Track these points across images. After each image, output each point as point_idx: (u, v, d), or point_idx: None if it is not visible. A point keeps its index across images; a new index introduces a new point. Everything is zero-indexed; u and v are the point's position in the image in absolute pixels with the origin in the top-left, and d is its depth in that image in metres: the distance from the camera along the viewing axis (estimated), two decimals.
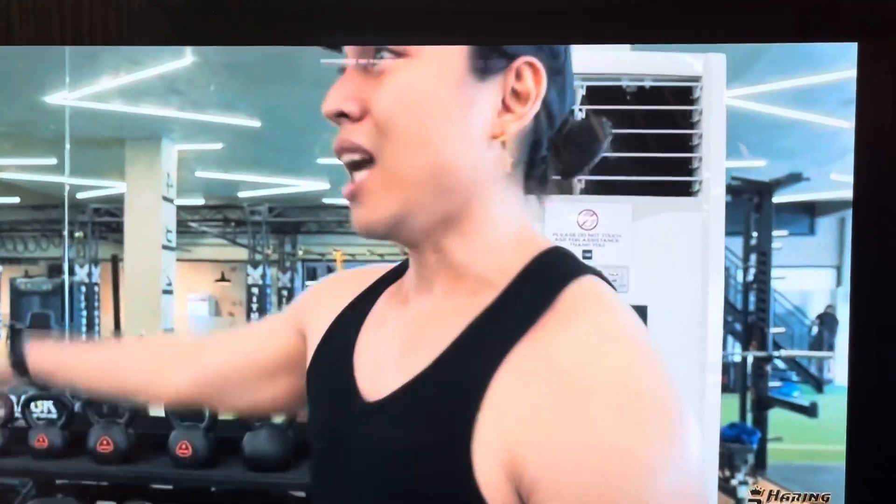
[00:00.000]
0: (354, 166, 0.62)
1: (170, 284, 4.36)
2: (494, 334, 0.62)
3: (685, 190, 1.71)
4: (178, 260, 4.67)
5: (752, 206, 3.67)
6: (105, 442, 2.15)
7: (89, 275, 4.87)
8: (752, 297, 3.50)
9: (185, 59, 3.63)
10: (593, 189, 1.72)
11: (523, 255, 0.67)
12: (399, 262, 0.80)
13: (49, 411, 2.33)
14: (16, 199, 5.21)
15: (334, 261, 5.64)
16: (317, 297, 0.85)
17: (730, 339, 4.52)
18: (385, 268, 0.81)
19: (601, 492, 0.54)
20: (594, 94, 1.74)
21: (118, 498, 2.27)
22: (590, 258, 1.69)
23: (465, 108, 0.64)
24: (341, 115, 0.62)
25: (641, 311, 1.69)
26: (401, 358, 0.68)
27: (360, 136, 0.62)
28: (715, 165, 1.72)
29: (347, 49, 0.66)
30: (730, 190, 4.05)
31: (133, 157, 4.43)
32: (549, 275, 0.65)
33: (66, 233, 4.42)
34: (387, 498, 0.65)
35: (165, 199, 4.44)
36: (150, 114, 4.20)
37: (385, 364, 0.69)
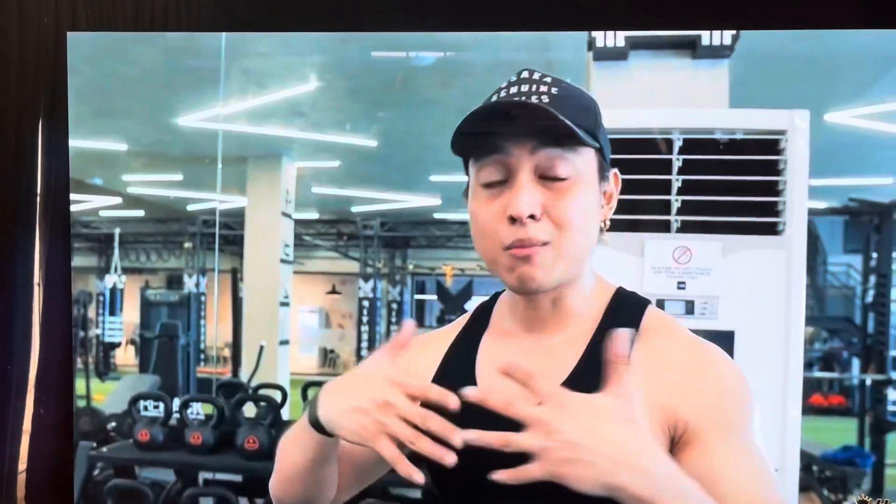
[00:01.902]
0: (530, 247, 0.92)
1: (287, 297, 5.05)
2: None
3: (771, 230, 2.20)
4: (294, 272, 5.33)
5: (871, 228, 3.98)
6: (251, 440, 2.78)
7: (196, 285, 5.58)
8: (871, 320, 3.81)
9: (309, 83, 4.32)
10: (688, 228, 2.23)
11: (603, 294, 1.02)
12: (472, 313, 1.11)
13: (198, 413, 2.97)
14: (141, 213, 6.04)
15: (444, 275, 6.23)
16: (404, 361, 1.02)
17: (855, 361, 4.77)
18: (457, 325, 1.10)
19: (725, 412, 0.91)
20: (691, 146, 2.26)
21: (260, 493, 2.89)
22: (683, 289, 2.21)
23: (598, 207, 0.98)
24: (531, 217, 0.91)
25: (729, 337, 2.19)
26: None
27: (541, 233, 0.92)
28: (798, 208, 2.20)
29: (519, 163, 0.92)
30: (848, 211, 4.36)
31: (255, 174, 5.15)
32: (630, 305, 1.01)
33: (216, 247, 5.16)
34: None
35: (284, 214, 5.14)
36: (273, 134, 4.93)
37: (513, 388, 0.91)
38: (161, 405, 2.81)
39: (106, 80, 4.36)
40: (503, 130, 0.93)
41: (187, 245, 6.07)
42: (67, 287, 2.41)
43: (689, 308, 2.19)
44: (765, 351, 2.20)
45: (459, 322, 1.12)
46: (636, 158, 2.25)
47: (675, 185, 2.23)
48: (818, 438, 4.10)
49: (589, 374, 0.93)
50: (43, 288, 2.36)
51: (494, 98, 0.97)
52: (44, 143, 2.37)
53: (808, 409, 4.95)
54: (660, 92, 2.52)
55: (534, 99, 0.93)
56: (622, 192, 2.30)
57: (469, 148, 0.98)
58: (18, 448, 2.36)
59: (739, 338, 2.19)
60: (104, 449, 2.80)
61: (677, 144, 2.26)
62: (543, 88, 0.95)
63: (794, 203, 2.20)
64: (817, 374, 4.90)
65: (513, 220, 0.92)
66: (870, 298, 3.80)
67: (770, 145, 2.24)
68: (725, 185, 2.24)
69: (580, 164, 0.95)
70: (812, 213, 4.78)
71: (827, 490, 3.55)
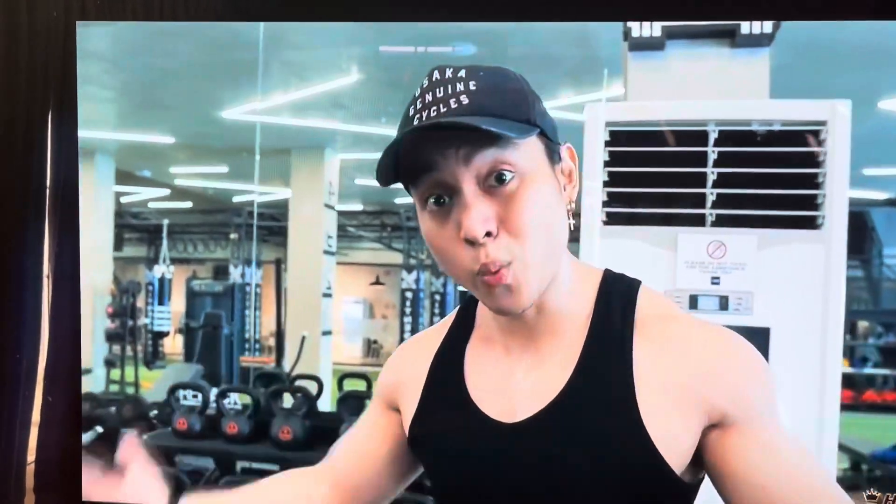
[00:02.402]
0: (497, 270, 0.84)
1: (329, 288, 5.11)
2: (611, 341, 0.91)
3: (810, 223, 2.15)
4: (338, 264, 5.39)
5: None
6: (286, 431, 2.83)
7: (242, 275, 5.67)
8: None
9: (350, 76, 4.35)
10: (722, 223, 2.20)
11: (589, 284, 0.95)
12: (454, 316, 1.08)
13: (234, 402, 3.03)
14: (188, 204, 6.16)
15: None
16: (395, 369, 1.09)
17: None
18: (446, 321, 1.08)
19: (758, 400, 0.86)
20: (727, 138, 2.21)
21: None
22: (718, 284, 2.17)
23: (559, 194, 0.90)
24: (487, 235, 0.83)
25: (764, 333, 2.15)
26: (529, 388, 0.94)
27: (503, 253, 0.84)
28: (838, 201, 2.14)
29: (456, 178, 0.84)
30: None
31: (298, 166, 5.21)
32: (620, 291, 0.95)
33: (254, 237, 5.25)
34: (575, 479, 0.90)
35: (327, 206, 5.20)
36: (315, 126, 4.98)
37: (509, 396, 0.95)
38: (199, 395, 2.86)
39: (151, 74, 4.47)
40: (428, 150, 0.85)
41: (233, 236, 6.17)
42: (76, 279, 2.46)
43: (724, 304, 2.15)
44: (802, 349, 2.15)
45: (445, 323, 1.08)
46: (670, 151, 2.22)
47: (711, 178, 2.20)
48: (871, 436, 4.01)
49: (585, 387, 0.91)
50: (52, 280, 2.41)
51: (412, 111, 0.87)
52: (53, 135, 2.41)
53: (862, 406, 4.83)
54: (697, 82, 2.47)
55: (452, 104, 0.85)
56: (655, 186, 2.26)
57: (400, 175, 0.89)
58: (27, 439, 2.41)
59: (775, 335, 2.15)
60: (144, 436, 2.88)
61: (713, 136, 2.23)
62: (460, 87, 0.86)
63: (835, 196, 2.15)
64: (870, 370, 4.78)
65: (469, 241, 0.84)
66: None
67: (809, 136, 2.19)
68: (762, 178, 2.20)
69: (522, 158, 0.87)
70: (867, 203, 4.65)
71: (876, 489, 3.46)
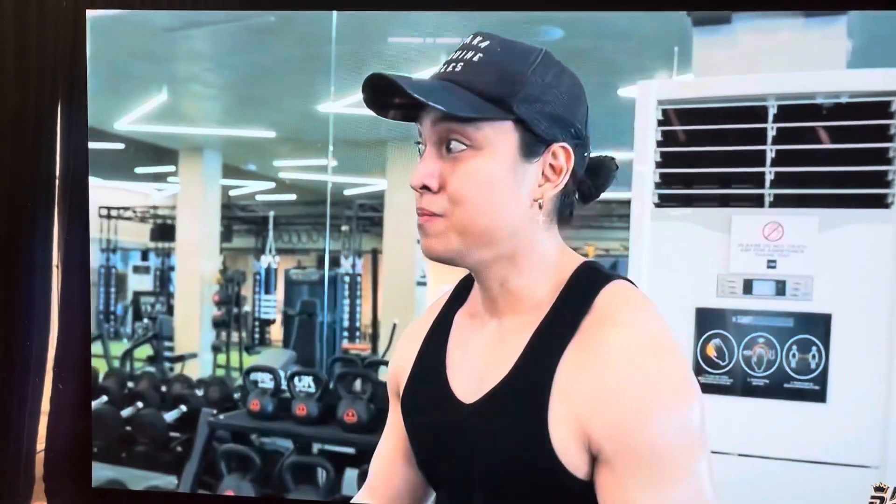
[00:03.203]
0: (429, 216, 0.92)
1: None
2: (552, 339, 0.91)
3: (878, 202, 2.01)
4: None
5: None
6: (350, 413, 2.90)
7: (353, 266, 5.85)
8: None
9: (439, 65, 4.38)
10: (780, 203, 2.08)
11: (562, 274, 0.96)
12: (452, 290, 1.10)
13: (308, 385, 3.12)
14: (292, 196, 6.38)
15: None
16: (399, 353, 1.13)
17: None
18: (441, 299, 1.11)
19: (641, 442, 0.82)
20: (788, 113, 2.09)
21: (360, 462, 3.01)
22: (774, 267, 2.06)
23: (515, 183, 0.92)
24: (424, 188, 0.91)
25: (825, 320, 2.02)
26: (486, 367, 0.96)
27: (433, 205, 0.91)
28: None
29: (425, 131, 0.92)
30: None
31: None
32: (583, 286, 0.94)
33: (326, 228, 5.40)
34: (495, 473, 0.93)
35: None
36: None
37: (474, 374, 0.97)
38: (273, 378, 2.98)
39: (252, 71, 4.65)
40: (404, 101, 0.90)
41: (344, 228, 6.33)
42: (85, 269, 2.54)
43: (780, 289, 2.04)
44: (866, 336, 2.01)
45: (444, 298, 1.11)
46: (725, 129, 2.13)
47: (769, 155, 2.09)
48: None
49: (529, 364, 0.92)
50: (62, 270, 2.50)
51: (444, 61, 0.95)
52: (62, 124, 2.49)
53: None
54: (767, 56, 2.35)
55: (453, 66, 0.92)
56: (709, 165, 2.20)
57: (392, 111, 0.99)
58: (37, 427, 2.49)
59: (837, 321, 2.02)
60: (221, 416, 3.02)
61: (772, 112, 2.11)
62: (469, 55, 0.91)
63: None
64: None
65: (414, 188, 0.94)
66: None
67: (879, 109, 2.04)
68: (825, 155, 2.07)
69: (482, 137, 0.90)
70: None
71: None
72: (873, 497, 1.44)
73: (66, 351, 2.54)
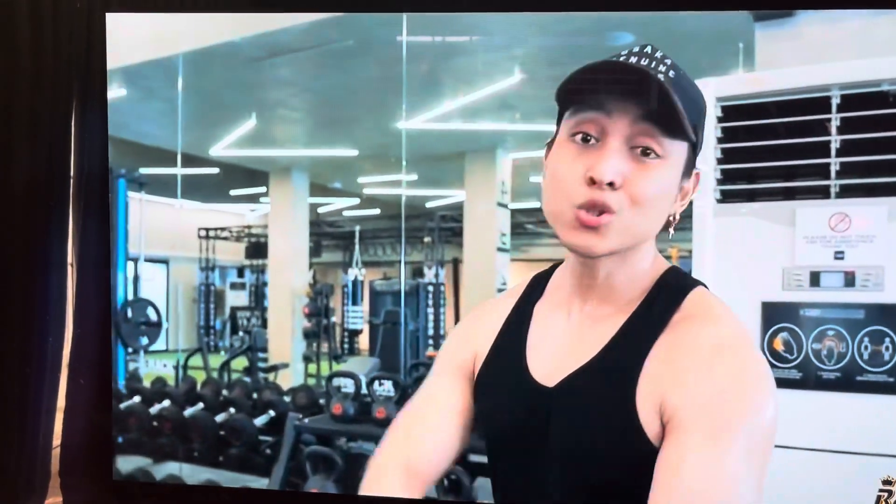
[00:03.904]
0: (599, 213, 0.91)
1: (504, 284, 5.19)
2: (643, 330, 0.95)
3: None
4: (513, 260, 5.47)
5: None
6: None
7: (436, 276, 5.91)
8: None
9: (514, 76, 4.41)
10: (847, 194, 2.01)
11: (654, 275, 1.00)
12: (527, 283, 1.11)
13: (388, 390, 3.17)
14: (376, 211, 6.51)
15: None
16: (471, 334, 1.12)
17: None
18: (515, 290, 1.12)
19: (714, 414, 0.86)
20: (852, 102, 2.03)
21: None
22: (842, 258, 1.99)
23: (673, 198, 0.96)
24: (610, 184, 0.90)
25: None
26: (571, 350, 0.99)
27: (614, 201, 0.91)
28: None
29: (613, 125, 0.90)
30: None
31: (471, 168, 5.34)
32: (672, 287, 0.98)
33: (402, 238, 5.48)
34: (578, 444, 0.96)
35: (500, 205, 5.28)
36: (485, 129, 5.09)
37: (558, 357, 1.00)
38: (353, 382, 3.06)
39: (333, 93, 4.79)
40: (614, 90, 0.91)
41: (427, 239, 6.42)
42: (101, 267, 2.48)
43: (850, 280, 1.97)
44: None
45: (517, 290, 1.12)
46: (787, 122, 2.08)
47: (834, 146, 2.03)
48: None
49: (619, 349, 0.96)
50: (77, 268, 2.45)
51: (613, 59, 0.94)
52: (77, 125, 2.43)
53: None
54: (832, 46, 2.29)
55: (659, 73, 0.91)
56: (771, 159, 2.16)
57: (574, 96, 0.95)
58: (53, 424, 2.47)
59: None
60: (307, 420, 3.11)
61: (835, 102, 2.05)
62: (662, 68, 0.93)
63: None
64: None
65: (592, 182, 0.91)
66: None
67: None
68: (892, 143, 1.99)
69: (672, 151, 0.93)
70: None
71: None
72: (881, 490, 1.44)
73: (83, 347, 2.49)
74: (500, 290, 5.14)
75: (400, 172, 5.86)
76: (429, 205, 6.43)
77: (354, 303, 5.85)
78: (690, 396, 0.89)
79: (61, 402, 2.50)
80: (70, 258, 2.49)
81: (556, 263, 1.10)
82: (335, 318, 5.63)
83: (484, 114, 4.95)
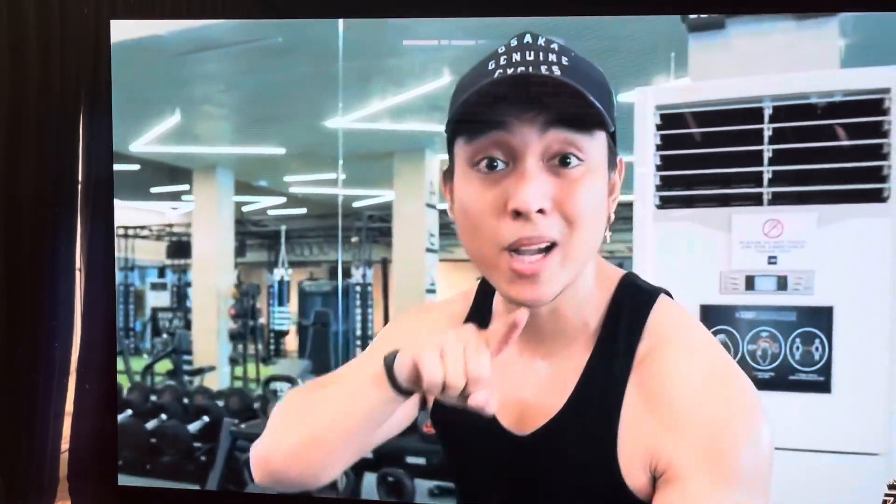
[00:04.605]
0: (536, 251, 0.78)
1: (433, 284, 5.19)
2: (611, 366, 0.85)
3: (875, 197, 2.03)
4: (441, 261, 5.47)
5: None
6: None
7: (363, 276, 5.86)
8: None
9: (444, 78, 4.41)
10: (780, 200, 2.10)
11: (604, 291, 0.90)
12: (470, 302, 0.98)
13: None
14: (303, 210, 6.42)
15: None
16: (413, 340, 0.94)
17: None
18: (461, 301, 0.99)
19: (714, 455, 0.77)
20: (783, 113, 2.12)
21: (375, 467, 3.02)
22: (775, 263, 2.08)
23: (606, 200, 0.85)
24: (540, 212, 0.77)
25: (827, 313, 2.04)
26: (536, 396, 0.91)
27: (551, 230, 0.78)
28: None
29: (522, 142, 0.76)
30: None
31: (400, 168, 5.32)
32: (631, 307, 0.87)
33: (338, 238, 5.44)
34: (555, 496, 0.88)
35: (429, 205, 5.28)
36: (414, 129, 5.07)
37: (520, 404, 0.91)
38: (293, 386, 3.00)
39: (261, 90, 4.69)
40: (508, 104, 0.77)
41: (354, 239, 6.34)
42: (109, 272, 2.56)
43: (782, 284, 2.06)
44: (867, 327, 2.02)
45: (455, 309, 1.01)
46: (723, 131, 2.15)
47: (767, 155, 2.11)
48: None
49: (590, 394, 0.87)
50: (84, 273, 2.52)
51: (492, 65, 0.79)
52: (85, 131, 2.50)
53: None
54: (761, 59, 2.38)
55: (543, 69, 0.77)
56: (708, 166, 2.24)
57: (461, 123, 0.80)
58: (61, 428, 2.49)
59: (839, 314, 2.03)
60: (243, 425, 3.04)
61: (767, 112, 2.13)
62: (553, 58, 0.79)
63: None
64: None
65: (517, 214, 0.78)
66: None
67: (872, 106, 2.06)
68: (822, 153, 2.09)
69: (593, 149, 0.81)
70: None
71: None
72: (887, 495, 1.46)
73: (90, 353, 2.55)
74: (429, 291, 5.14)
75: (327, 171, 5.80)
76: (356, 204, 6.37)
77: (281, 304, 5.75)
78: (685, 444, 0.79)
79: (69, 406, 2.50)
80: (78, 263, 2.48)
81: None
82: (262, 320, 5.52)
83: (413, 114, 4.94)
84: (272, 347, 5.69)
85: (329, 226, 6.37)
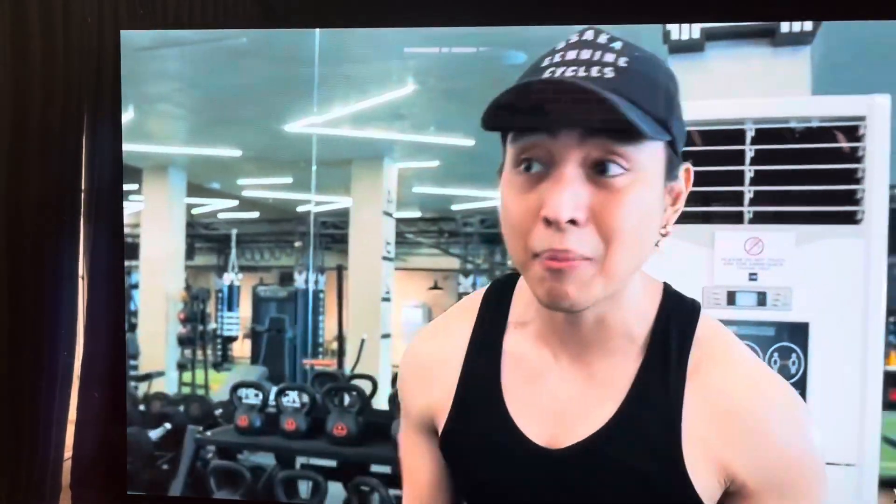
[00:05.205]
0: (571, 266, 0.74)
1: (388, 293, 5.19)
2: (664, 379, 0.83)
3: (849, 219, 2.12)
4: (396, 269, 5.48)
5: None
6: (340, 427, 2.90)
7: (315, 282, 5.81)
8: None
9: (407, 87, 4.43)
10: (761, 219, 2.18)
11: (649, 302, 0.88)
12: (481, 302, 0.93)
13: (294, 401, 3.11)
14: (255, 214, 6.33)
15: None
16: (425, 368, 0.96)
17: None
18: (464, 316, 0.94)
19: (787, 475, 0.79)
20: (764, 136, 2.20)
21: (345, 477, 3.01)
22: (755, 280, 2.16)
23: (659, 210, 0.81)
24: (572, 222, 0.72)
25: (804, 328, 2.12)
26: (574, 409, 0.86)
27: (584, 246, 0.73)
28: (878, 196, 2.11)
29: (560, 148, 0.72)
30: None
31: (358, 175, 5.32)
32: (678, 318, 0.86)
33: (310, 244, 5.37)
34: None
35: (386, 213, 5.28)
36: (374, 137, 5.08)
37: (557, 413, 0.86)
38: (260, 393, 2.97)
39: (220, 92, 4.63)
40: (549, 106, 0.73)
41: (297, 244, 6.29)
42: (113, 279, 2.50)
43: (762, 300, 2.14)
44: (842, 342, 2.12)
45: (466, 313, 0.95)
46: (707, 150, 2.22)
47: (748, 175, 2.19)
48: None
49: (645, 404, 0.84)
50: (87, 281, 2.47)
51: (547, 62, 0.77)
52: (88, 139, 2.46)
53: None
54: (737, 82, 2.47)
55: (594, 72, 0.74)
56: (694, 185, 2.29)
57: (505, 121, 0.77)
58: (64, 436, 2.46)
59: (814, 329, 2.12)
60: (209, 433, 2.99)
61: (749, 134, 2.22)
62: (609, 58, 0.76)
63: (874, 191, 2.12)
64: None
65: (548, 222, 0.74)
66: None
67: (848, 132, 2.16)
68: (801, 175, 2.18)
69: (642, 158, 0.76)
70: None
71: None
72: None
73: (95, 360, 2.50)
74: (384, 300, 5.13)
75: (282, 175, 5.75)
76: (300, 209, 6.32)
77: (230, 309, 5.66)
78: (756, 462, 0.81)
79: (73, 414, 2.46)
80: (81, 271, 2.40)
81: (511, 274, 0.94)
82: (213, 325, 5.42)
83: (374, 122, 4.95)
84: (219, 353, 5.59)
85: (281, 231, 6.31)
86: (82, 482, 2.51)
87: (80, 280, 2.49)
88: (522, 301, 0.93)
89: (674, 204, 0.85)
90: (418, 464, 0.98)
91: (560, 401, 0.87)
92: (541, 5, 2.69)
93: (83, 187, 2.48)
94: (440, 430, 0.93)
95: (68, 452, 2.52)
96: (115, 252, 2.51)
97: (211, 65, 4.28)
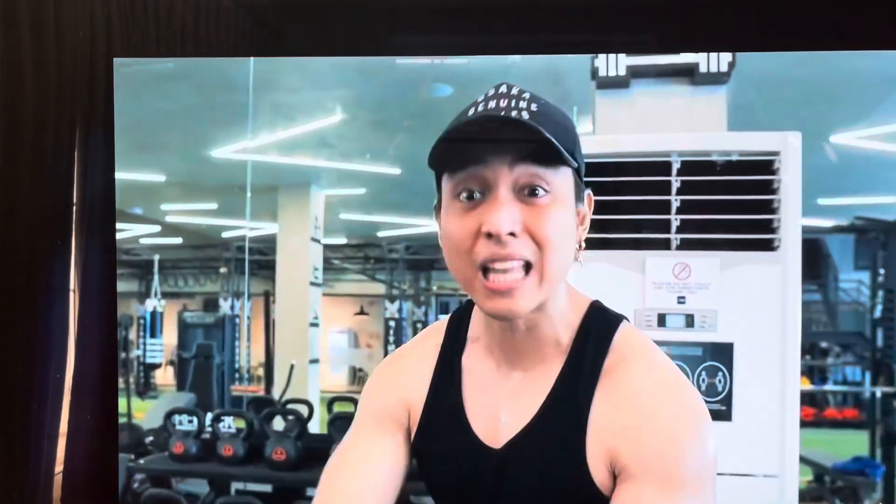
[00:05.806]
0: (510, 269, 0.87)
1: (316, 318, 5.15)
2: (580, 381, 0.94)
3: (767, 246, 2.25)
4: (323, 295, 5.44)
5: (878, 245, 3.98)
6: (279, 452, 2.87)
7: (231, 308, 5.70)
8: (880, 334, 3.80)
9: (335, 116, 4.45)
10: (687, 246, 2.29)
11: (575, 314, 1.00)
12: (446, 328, 1.04)
13: (229, 426, 3.06)
14: (178, 240, 6.19)
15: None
16: (399, 378, 1.07)
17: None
18: (432, 337, 1.06)
19: (665, 461, 0.87)
20: (689, 168, 2.32)
21: (285, 501, 2.98)
22: (683, 303, 2.26)
23: (574, 228, 0.96)
24: (510, 234, 0.87)
25: (728, 348, 2.24)
26: (510, 406, 0.98)
27: (522, 249, 0.88)
28: (792, 225, 2.25)
29: (495, 175, 0.86)
30: (855, 229, 4.39)
31: (285, 202, 5.28)
32: (599, 328, 0.98)
33: (246, 271, 5.27)
34: None
35: (313, 239, 5.26)
36: (301, 164, 5.06)
37: (497, 415, 0.99)
38: (195, 419, 2.90)
39: (147, 116, 4.54)
40: (482, 143, 0.88)
41: (223, 270, 6.18)
42: (105, 294, 2.45)
43: (689, 321, 2.24)
44: (763, 361, 2.24)
45: (434, 335, 1.08)
46: (637, 181, 2.32)
47: (675, 205, 2.30)
48: (834, 450, 4.09)
49: (560, 406, 0.95)
50: (79, 294, 2.41)
51: (472, 112, 0.91)
52: (80, 155, 2.41)
53: (825, 423, 4.90)
54: (660, 117, 2.59)
55: (514, 114, 0.88)
56: (625, 213, 2.39)
57: (445, 160, 0.92)
58: (55, 450, 2.40)
59: (738, 349, 2.24)
60: (141, 461, 2.90)
61: (675, 166, 2.33)
62: (522, 104, 0.90)
63: (789, 220, 2.26)
64: (829, 387, 4.89)
65: (489, 236, 0.87)
66: (878, 314, 3.80)
67: (764, 166, 2.30)
68: (722, 205, 2.31)
69: (559, 182, 0.91)
70: (821, 231, 4.82)
71: (839, 500, 3.54)
72: None
73: (86, 374, 2.43)
74: (312, 325, 5.09)
75: (206, 201, 5.65)
76: (225, 234, 6.22)
77: (153, 335, 5.51)
78: (639, 447, 0.89)
79: (64, 427, 2.39)
80: (73, 285, 2.29)
81: (470, 300, 1.04)
82: (137, 352, 5.26)
83: (301, 149, 4.93)
84: (142, 381, 5.42)
85: (206, 257, 6.18)
86: (74, 496, 2.41)
87: (70, 294, 2.41)
88: (476, 320, 1.06)
89: (582, 223, 1.00)
90: (376, 449, 1.06)
91: (501, 403, 0.99)
92: (473, 42, 2.77)
93: (75, 201, 2.41)
94: (413, 430, 1.04)
95: (59, 466, 2.41)
96: (108, 266, 2.45)
97: (137, 88, 4.19)
